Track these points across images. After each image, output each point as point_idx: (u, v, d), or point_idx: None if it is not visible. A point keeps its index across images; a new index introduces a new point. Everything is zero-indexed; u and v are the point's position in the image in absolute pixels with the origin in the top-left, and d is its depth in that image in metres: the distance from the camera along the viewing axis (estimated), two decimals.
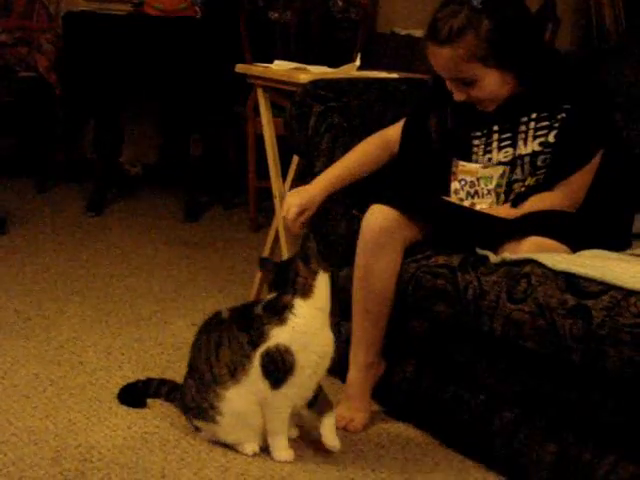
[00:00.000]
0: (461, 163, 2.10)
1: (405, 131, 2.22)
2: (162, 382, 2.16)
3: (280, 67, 2.85)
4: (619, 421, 1.68)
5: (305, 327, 1.85)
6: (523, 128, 2.04)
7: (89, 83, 4.10)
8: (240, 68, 2.93)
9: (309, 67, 2.81)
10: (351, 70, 2.85)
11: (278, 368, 1.84)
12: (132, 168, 4.81)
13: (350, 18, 4.51)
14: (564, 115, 1.99)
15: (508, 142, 2.05)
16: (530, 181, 2.05)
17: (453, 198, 2.12)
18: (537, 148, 2.03)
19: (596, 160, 2.02)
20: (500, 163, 2.06)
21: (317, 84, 2.44)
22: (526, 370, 1.83)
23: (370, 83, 2.54)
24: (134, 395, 2.15)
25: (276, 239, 2.85)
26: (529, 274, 1.78)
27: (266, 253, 2.90)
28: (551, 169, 2.02)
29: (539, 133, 2.02)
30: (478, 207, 2.07)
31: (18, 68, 4.31)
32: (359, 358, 2.10)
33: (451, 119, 2.12)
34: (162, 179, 4.75)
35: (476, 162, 2.09)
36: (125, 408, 2.13)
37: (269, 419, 1.90)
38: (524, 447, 1.84)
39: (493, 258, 1.90)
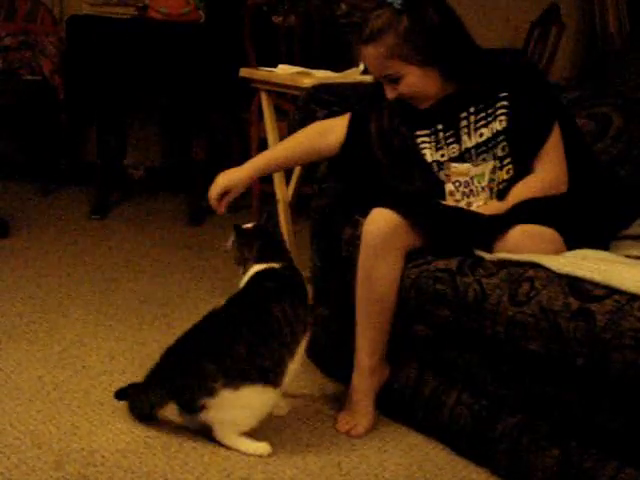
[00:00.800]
0: (453, 165, 2.12)
1: (349, 129, 2.25)
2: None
3: (284, 71, 2.85)
4: (622, 426, 1.68)
5: None
6: (464, 123, 2.11)
7: (93, 86, 4.11)
8: (244, 72, 2.94)
9: (313, 71, 2.82)
10: (355, 74, 2.85)
11: None
12: (136, 171, 4.81)
13: (354, 22, 4.51)
14: (505, 103, 2.06)
15: (452, 139, 2.13)
16: (502, 174, 2.08)
17: (449, 200, 2.13)
18: (479, 139, 2.09)
19: (557, 131, 2.07)
20: (451, 159, 2.12)
21: (321, 88, 2.45)
22: (529, 374, 1.83)
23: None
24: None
25: None
26: (532, 277, 1.78)
27: None
28: (516, 156, 2.07)
29: (479, 124, 2.09)
30: (475, 205, 2.09)
31: (22, 72, 4.33)
32: (363, 363, 2.10)
33: (388, 120, 2.17)
34: (166, 183, 4.76)
35: (430, 158, 2.15)
36: (127, 412, 2.12)
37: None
38: (527, 452, 1.84)
39: (489, 257, 1.91)
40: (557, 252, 1.93)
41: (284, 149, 2.31)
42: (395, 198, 2.09)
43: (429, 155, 2.15)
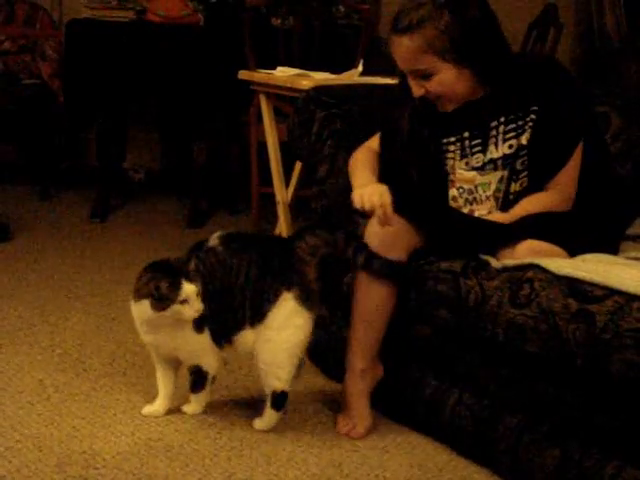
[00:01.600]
0: (458, 171, 2.10)
1: (383, 140, 2.23)
2: None
3: (283, 73, 2.86)
4: (623, 426, 1.68)
5: None
6: (494, 132, 2.06)
7: (92, 90, 4.11)
8: (243, 75, 2.94)
9: (312, 73, 2.82)
10: (353, 76, 2.86)
11: None
12: (136, 174, 4.82)
13: (352, 24, 4.52)
14: (533, 117, 2.02)
15: (479, 148, 2.08)
16: (515, 187, 2.07)
17: (451, 205, 2.13)
18: (507, 151, 2.05)
19: (578, 154, 2.04)
20: (474, 168, 2.08)
21: (320, 90, 2.45)
22: (529, 375, 1.83)
23: (372, 89, 2.55)
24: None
25: None
26: (532, 279, 1.79)
27: None
28: (533, 171, 2.04)
29: (508, 136, 2.05)
30: (477, 213, 2.08)
31: (21, 75, 4.33)
32: (355, 365, 2.09)
33: (410, 122, 2.13)
34: (165, 185, 4.76)
35: (453, 167, 2.11)
36: (129, 415, 2.13)
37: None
38: (528, 452, 1.84)
39: (495, 263, 1.91)
40: None
41: (370, 170, 2.19)
42: (398, 199, 2.09)
43: (455, 164, 2.11)
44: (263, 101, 2.90)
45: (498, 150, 2.06)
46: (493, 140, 2.07)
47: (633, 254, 2.01)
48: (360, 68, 2.89)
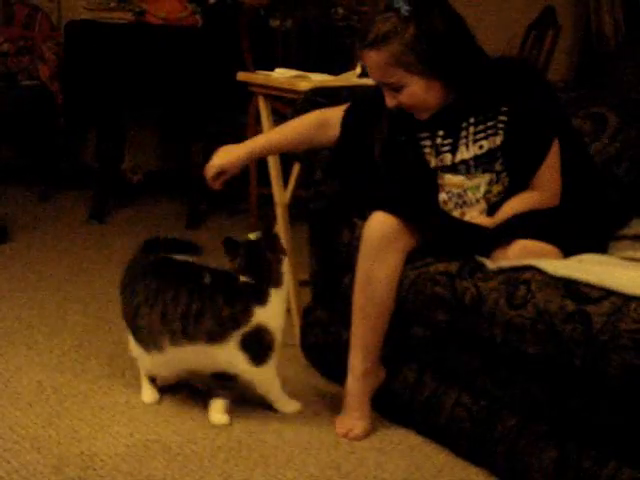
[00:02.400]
0: (447, 176, 2.11)
1: (343, 128, 2.23)
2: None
3: (281, 75, 2.85)
4: (620, 426, 1.68)
5: (278, 310, 2.07)
6: (464, 133, 2.07)
7: (91, 91, 4.11)
8: (241, 76, 2.94)
9: (310, 75, 2.82)
10: (352, 78, 2.85)
11: (260, 345, 2.05)
12: (134, 175, 4.81)
13: (351, 26, 4.52)
14: (504, 118, 2.03)
15: (448, 147, 2.09)
16: (498, 187, 2.07)
17: (443, 208, 2.13)
18: (478, 152, 2.06)
19: (555, 151, 2.04)
20: (443, 168, 2.09)
21: (318, 92, 2.45)
22: (527, 376, 1.83)
23: (370, 91, 2.54)
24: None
25: None
26: (528, 280, 1.79)
27: None
28: (512, 171, 2.05)
29: (479, 136, 2.06)
30: (468, 215, 2.08)
31: (20, 77, 4.33)
32: (356, 365, 2.10)
33: (388, 126, 2.14)
34: (164, 187, 4.76)
35: (434, 164, 2.11)
36: (127, 416, 2.13)
37: (267, 393, 2.15)
38: (526, 452, 1.85)
39: (490, 265, 1.91)
40: None
41: (282, 135, 2.30)
42: (395, 200, 2.09)
43: (433, 161, 2.12)
44: (261, 102, 2.89)
45: (469, 150, 2.07)
46: (464, 141, 2.08)
47: (630, 253, 2.01)
48: (358, 70, 2.89)
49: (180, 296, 2.04)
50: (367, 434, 2.10)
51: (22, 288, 3.07)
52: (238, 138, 4.16)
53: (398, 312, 2.05)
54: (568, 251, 1.95)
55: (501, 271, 1.87)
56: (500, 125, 2.04)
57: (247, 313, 2.02)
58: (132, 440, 2.02)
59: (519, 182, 2.06)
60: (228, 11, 4.34)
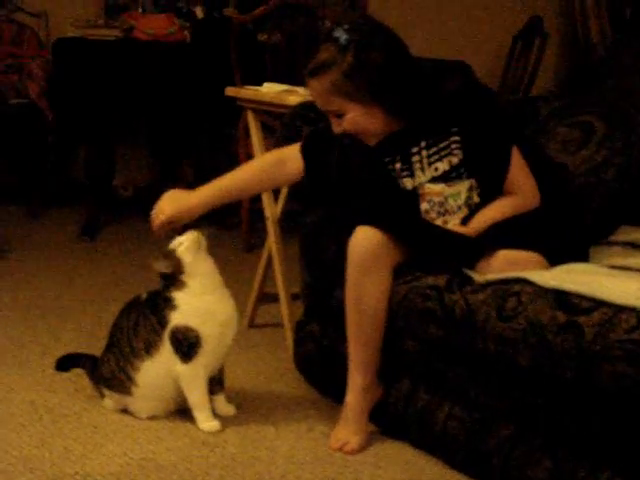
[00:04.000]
0: (427, 185, 2.11)
1: (306, 156, 2.23)
2: (89, 357, 2.35)
3: (270, 89, 2.86)
4: (613, 436, 1.69)
5: (194, 309, 2.12)
6: (417, 158, 2.10)
7: (80, 108, 4.11)
8: (230, 91, 2.94)
9: (298, 89, 2.82)
10: None
11: (183, 344, 2.11)
12: (125, 192, 4.81)
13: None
14: (456, 138, 2.06)
15: (407, 173, 2.11)
16: (475, 198, 2.09)
17: (424, 217, 2.13)
18: (434, 174, 2.08)
19: (517, 155, 2.08)
20: (432, 179, 2.10)
21: (306, 106, 2.45)
22: (520, 387, 1.83)
23: None
24: (67, 363, 2.38)
25: (269, 260, 2.86)
26: (518, 292, 1.79)
27: (259, 273, 2.91)
28: (481, 182, 2.08)
29: (432, 159, 2.08)
30: (451, 223, 2.08)
31: (9, 95, 4.33)
32: (356, 381, 2.10)
33: (339, 151, 2.17)
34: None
35: (418, 183, 2.11)
36: (120, 435, 2.13)
37: (188, 394, 2.15)
38: (520, 464, 1.85)
39: (478, 278, 1.92)
40: None
41: (238, 181, 2.27)
42: (378, 214, 2.10)
43: (407, 182, 2.12)
44: (250, 117, 2.90)
45: (425, 174, 2.09)
46: (418, 165, 2.09)
47: (619, 261, 2.02)
48: None
49: (122, 321, 2.21)
50: (362, 448, 2.10)
51: (13, 306, 3.06)
52: (228, 153, 4.19)
53: (390, 327, 2.05)
54: (551, 256, 1.96)
55: (490, 284, 1.87)
56: (454, 145, 2.07)
57: (165, 317, 2.13)
58: (126, 459, 2.01)
59: (493, 190, 2.08)
60: (216, 26, 4.35)
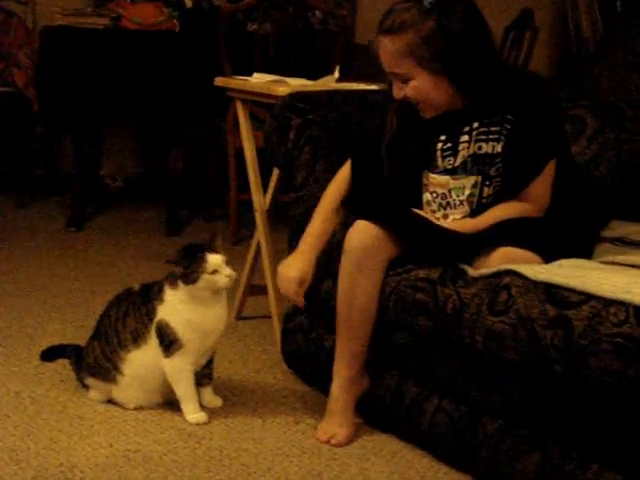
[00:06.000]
0: (431, 175, 2.10)
1: (355, 153, 2.22)
2: (75, 347, 2.34)
3: (259, 80, 2.84)
4: (602, 430, 1.69)
5: (175, 310, 2.11)
6: (465, 138, 2.06)
7: (68, 97, 4.07)
8: (219, 81, 2.92)
9: (288, 79, 2.81)
10: (330, 82, 2.85)
11: (165, 339, 2.12)
12: (112, 182, 4.78)
13: (329, 29, 4.51)
14: (508, 126, 2.02)
15: (449, 152, 2.07)
16: (488, 191, 2.07)
17: (425, 209, 2.12)
18: (476, 151, 2.05)
19: (550, 168, 2.04)
20: (446, 170, 2.08)
21: (296, 97, 2.44)
22: (508, 381, 1.83)
23: (349, 95, 2.55)
24: (52, 354, 2.38)
25: (257, 252, 2.85)
26: (509, 285, 1.79)
27: (247, 266, 2.90)
28: (506, 179, 2.05)
29: (481, 137, 2.04)
30: (451, 217, 2.07)
31: None
32: (342, 372, 2.09)
33: (395, 125, 2.13)
34: (143, 193, 4.73)
35: (429, 169, 2.10)
36: (106, 426, 2.12)
37: (174, 386, 2.15)
38: (508, 457, 1.84)
39: (471, 272, 1.91)
40: None
41: (325, 223, 2.20)
42: (377, 208, 2.08)
43: (447, 163, 2.09)
44: (239, 108, 2.88)
45: (470, 150, 2.06)
46: (465, 145, 2.06)
47: (610, 257, 2.01)
48: (336, 74, 2.88)
49: (111, 311, 2.21)
50: (349, 441, 2.09)
51: None
52: (218, 144, 4.17)
53: (380, 319, 2.04)
54: (549, 257, 1.94)
55: (481, 277, 1.87)
56: (504, 132, 2.02)
57: (154, 309, 2.13)
58: (112, 450, 2.00)
59: (510, 190, 2.05)
60: (205, 16, 4.33)
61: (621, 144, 2.32)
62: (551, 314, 1.69)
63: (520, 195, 2.05)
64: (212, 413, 2.19)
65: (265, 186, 2.85)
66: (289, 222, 2.42)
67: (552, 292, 1.71)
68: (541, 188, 2.04)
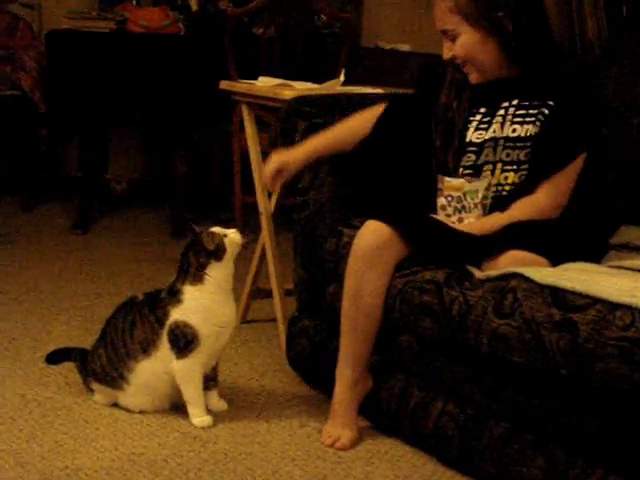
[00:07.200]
0: (447, 179, 2.10)
1: (380, 119, 2.25)
2: (80, 351, 2.33)
3: (265, 83, 2.84)
4: (607, 434, 1.68)
5: (200, 306, 2.11)
6: (501, 112, 2.07)
7: (73, 101, 4.09)
8: (224, 85, 2.93)
9: (293, 83, 2.81)
10: (335, 86, 2.85)
11: (180, 340, 2.11)
12: (118, 185, 4.79)
13: (334, 33, 4.52)
14: (547, 111, 2.03)
15: (485, 125, 2.09)
16: (514, 178, 2.07)
17: (440, 214, 2.12)
18: (511, 134, 2.05)
19: (579, 163, 2.04)
20: (471, 143, 2.09)
21: (301, 100, 2.44)
22: (514, 385, 1.83)
23: (354, 99, 2.54)
24: (57, 357, 2.38)
25: (262, 255, 2.85)
26: (515, 288, 1.79)
27: (252, 269, 2.90)
28: (533, 165, 2.05)
29: (516, 120, 2.05)
30: (466, 221, 2.07)
31: (1, 87, 4.30)
32: (345, 374, 2.09)
33: (447, 95, 2.16)
34: (148, 195, 4.74)
35: (470, 138, 2.10)
36: (111, 429, 2.12)
37: (183, 389, 2.14)
38: (513, 461, 1.84)
39: (478, 274, 1.91)
40: None
41: (335, 137, 2.26)
42: (388, 208, 2.08)
43: (470, 134, 2.11)
44: (245, 111, 2.88)
45: (503, 131, 2.06)
46: (499, 119, 2.07)
47: (615, 262, 2.01)
48: (342, 78, 2.88)
49: (117, 321, 2.20)
50: (354, 444, 2.09)
51: (4, 300, 3.05)
52: (224, 147, 4.18)
53: (385, 321, 2.04)
54: (558, 265, 1.94)
55: (488, 280, 1.86)
56: (541, 117, 2.03)
57: (165, 314, 2.13)
58: (117, 454, 2.00)
59: (534, 179, 2.04)
60: (211, 19, 4.33)
61: (627, 150, 2.32)
62: (557, 317, 1.68)
63: (541, 187, 2.03)
64: (217, 417, 2.19)
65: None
66: (294, 225, 2.42)
67: (558, 295, 1.71)
68: (563, 183, 2.04)
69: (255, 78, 2.92)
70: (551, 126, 2.02)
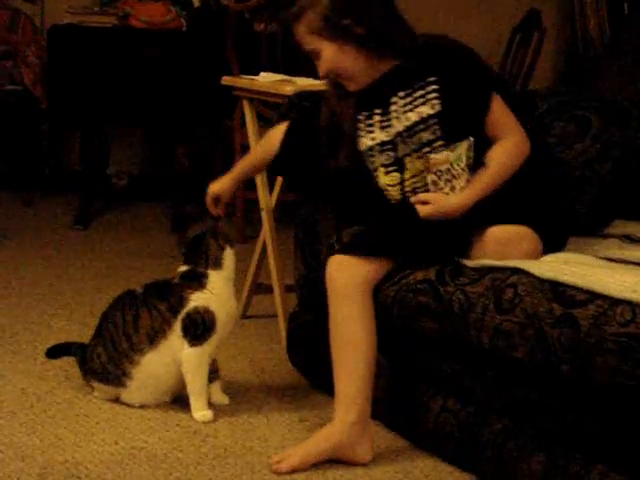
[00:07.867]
0: (431, 156, 2.08)
1: (289, 128, 2.30)
2: (81, 345, 2.31)
3: (266, 79, 2.85)
4: (607, 431, 1.68)
5: (219, 291, 2.15)
6: (394, 108, 2.09)
7: (75, 96, 4.09)
8: (226, 80, 2.93)
9: (295, 79, 2.81)
10: None
11: (198, 326, 2.11)
12: (119, 180, 4.79)
13: None
14: (435, 87, 2.05)
15: (387, 123, 2.11)
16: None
17: (432, 189, 2.09)
18: (408, 123, 2.07)
19: (500, 104, 2.05)
20: (383, 142, 2.11)
21: (302, 96, 2.44)
22: (514, 381, 1.83)
23: None
24: (57, 351, 2.37)
25: (263, 250, 2.85)
26: (515, 284, 1.79)
27: (253, 264, 2.90)
28: (451, 136, 2.04)
29: (407, 108, 2.08)
30: (458, 187, 2.05)
31: (3, 82, 4.30)
32: (338, 415, 1.97)
33: (334, 104, 2.19)
34: (149, 191, 4.74)
35: (363, 145, 2.13)
36: (112, 423, 2.12)
37: (189, 379, 2.13)
38: (513, 457, 1.84)
39: (470, 263, 1.90)
40: (536, 249, 1.95)
41: (258, 153, 2.42)
42: (349, 237, 2.13)
43: (363, 142, 2.14)
44: (246, 107, 2.88)
45: (401, 123, 2.09)
46: (394, 114, 2.09)
47: (617, 251, 2.02)
48: None
49: (116, 317, 2.19)
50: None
51: (5, 294, 3.05)
52: (225, 143, 4.17)
53: (384, 327, 2.02)
54: (539, 227, 1.96)
55: (484, 272, 1.86)
56: (432, 95, 2.05)
57: (183, 300, 2.13)
58: (117, 448, 2.00)
59: (482, 141, 2.05)
60: (213, 15, 4.33)
61: (626, 143, 2.32)
62: (557, 313, 1.69)
63: (493, 137, 2.05)
64: (217, 411, 2.19)
65: (271, 185, 2.85)
66: (295, 221, 2.42)
67: (558, 290, 1.71)
68: (505, 120, 2.05)
69: (257, 74, 2.92)
70: (450, 95, 2.04)
